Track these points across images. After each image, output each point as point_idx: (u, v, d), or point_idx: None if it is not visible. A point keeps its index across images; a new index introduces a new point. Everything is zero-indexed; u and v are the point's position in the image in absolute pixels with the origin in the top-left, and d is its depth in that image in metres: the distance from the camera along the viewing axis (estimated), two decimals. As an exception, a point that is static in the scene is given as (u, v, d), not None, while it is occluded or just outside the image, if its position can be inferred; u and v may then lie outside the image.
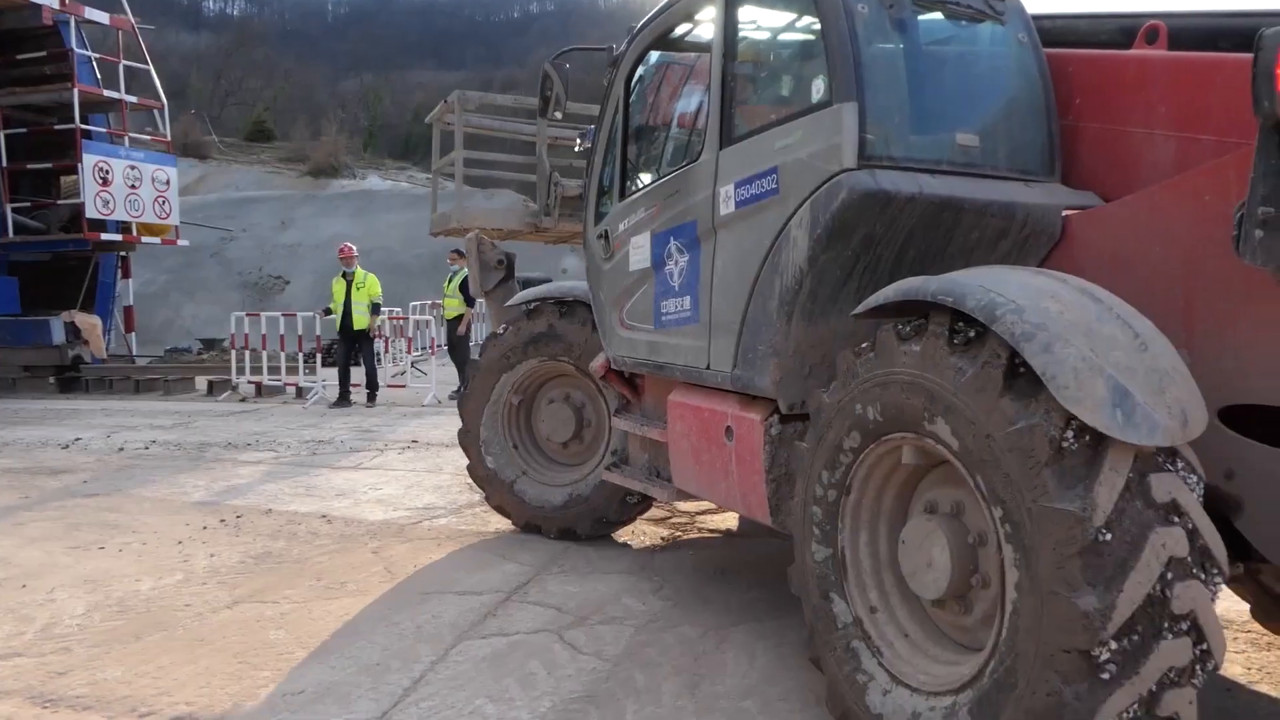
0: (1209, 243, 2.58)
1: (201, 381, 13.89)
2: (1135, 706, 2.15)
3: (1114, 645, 2.12)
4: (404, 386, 12.59)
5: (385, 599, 4.39)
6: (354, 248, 11.92)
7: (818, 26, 3.33)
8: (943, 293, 2.56)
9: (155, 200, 14.59)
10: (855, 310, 3.03)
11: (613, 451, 5.06)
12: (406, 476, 7.29)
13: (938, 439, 2.54)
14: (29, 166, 14.49)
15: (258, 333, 12.97)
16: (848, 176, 3.08)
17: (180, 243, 15.92)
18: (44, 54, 14.11)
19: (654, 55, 4.55)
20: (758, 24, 3.96)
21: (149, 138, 15.65)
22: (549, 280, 6.49)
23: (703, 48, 4.16)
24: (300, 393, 12.75)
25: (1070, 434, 2.22)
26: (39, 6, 12.82)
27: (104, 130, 14.67)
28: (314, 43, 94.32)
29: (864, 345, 2.87)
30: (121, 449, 8.62)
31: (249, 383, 13.11)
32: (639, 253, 4.34)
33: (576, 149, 5.99)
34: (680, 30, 4.29)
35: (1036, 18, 3.67)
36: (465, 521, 5.85)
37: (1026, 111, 3.50)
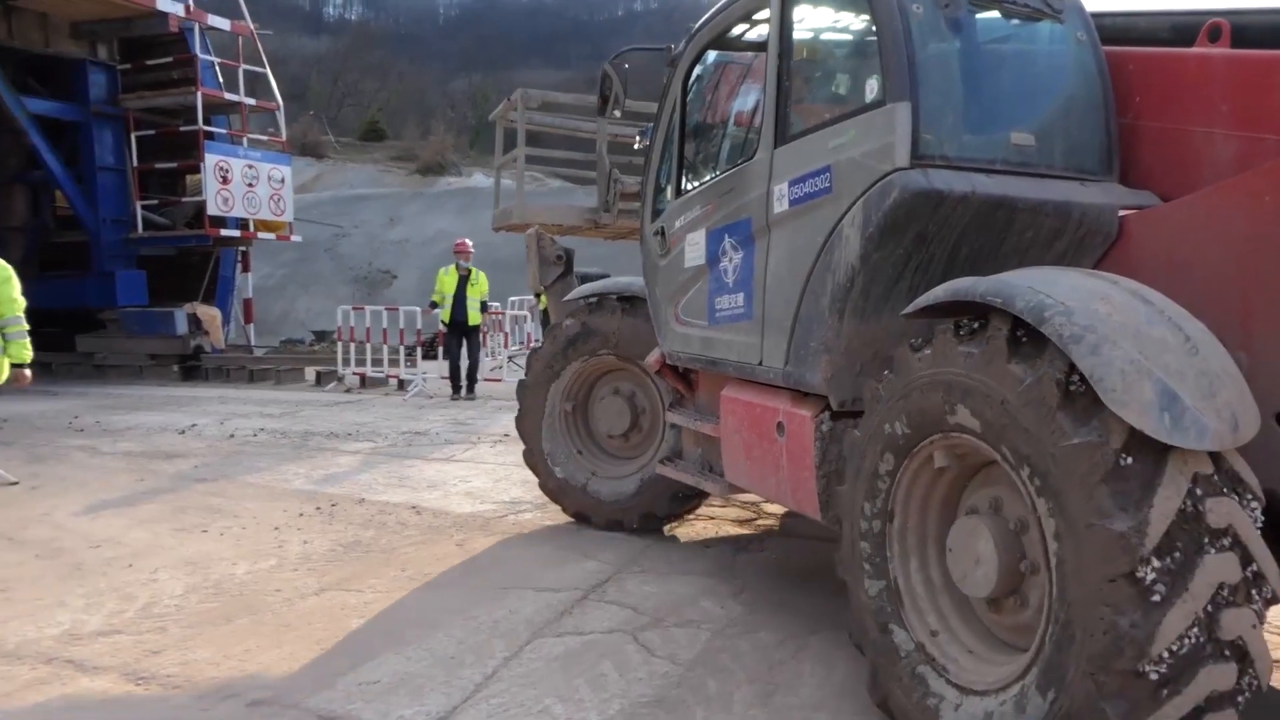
0: (1268, 243, 2.54)
1: (310, 372, 14.41)
2: (1194, 629, 2.13)
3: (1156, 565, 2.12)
4: (500, 380, 12.79)
5: (465, 592, 4.43)
6: (470, 243, 12.18)
7: (872, 26, 3.33)
8: (992, 293, 2.56)
9: (271, 198, 15.19)
10: (905, 310, 3.03)
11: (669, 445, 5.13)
12: (496, 470, 7.38)
13: (983, 439, 2.57)
14: (157, 166, 15.29)
15: (363, 325, 13.36)
16: (900, 175, 3.09)
17: (294, 238, 16.54)
18: (170, 60, 14.84)
19: (711, 55, 4.59)
20: (812, 24, 3.96)
21: (266, 138, 16.30)
22: (607, 275, 6.54)
23: (759, 47, 4.15)
24: (402, 385, 13.08)
25: (1113, 436, 2.20)
26: (166, 15, 13.49)
27: (225, 131, 15.34)
28: (426, 44, 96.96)
29: (919, 341, 2.85)
30: (232, 436, 8.98)
31: (354, 374, 13.53)
32: (694, 249, 4.40)
33: (636, 146, 6.04)
34: (737, 30, 4.32)
35: (1096, 15, 3.62)
36: (550, 517, 5.87)
37: (1084, 110, 3.47)
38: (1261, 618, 2.20)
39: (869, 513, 3.04)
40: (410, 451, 8.16)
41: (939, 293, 2.82)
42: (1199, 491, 2.17)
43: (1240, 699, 2.19)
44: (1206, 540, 2.15)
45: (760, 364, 3.88)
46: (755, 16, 4.11)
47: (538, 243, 6.45)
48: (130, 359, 15.00)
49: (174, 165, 15.22)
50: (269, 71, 15.38)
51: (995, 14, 3.48)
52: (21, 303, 5.95)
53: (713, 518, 5.82)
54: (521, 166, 7.74)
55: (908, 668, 2.85)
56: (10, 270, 5.93)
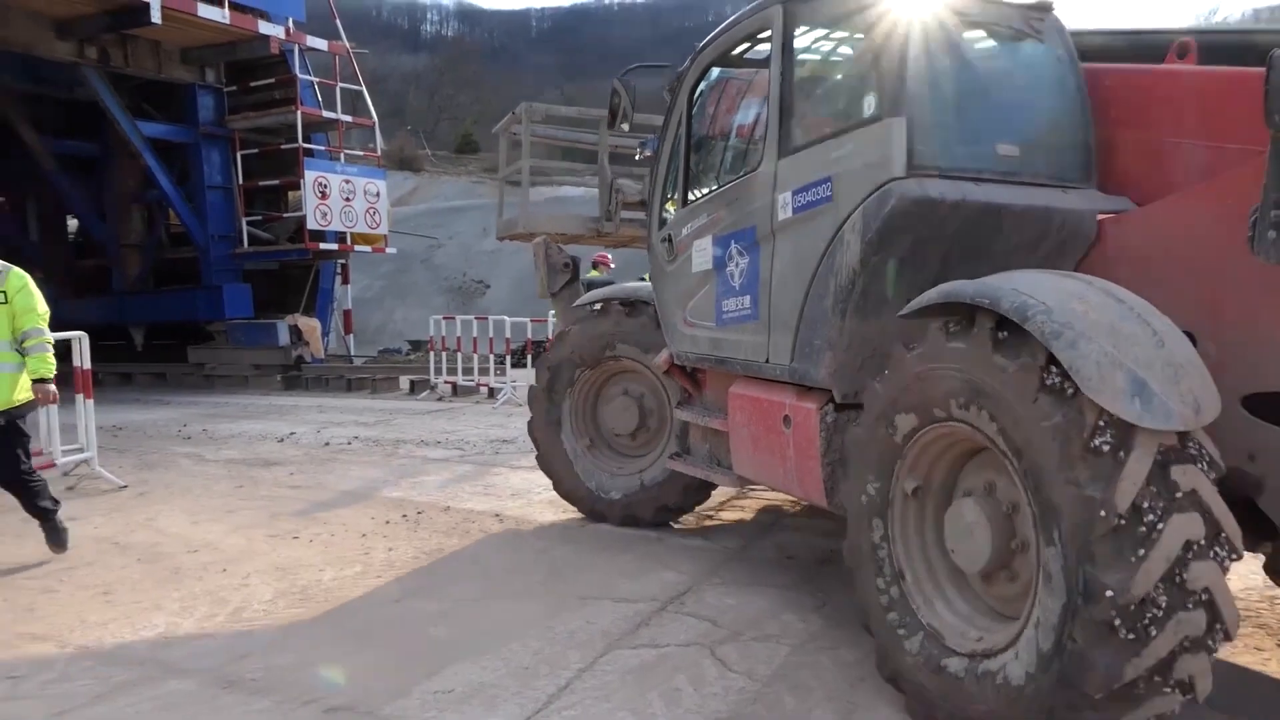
0: (1231, 244, 2.71)
1: (404, 381, 14.75)
2: (1157, 670, 2.43)
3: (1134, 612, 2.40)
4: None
5: (544, 601, 4.41)
6: (610, 257, 12.07)
7: (868, 47, 3.65)
8: (980, 295, 2.81)
9: (366, 211, 15.63)
10: (902, 311, 3.26)
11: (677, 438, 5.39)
12: (581, 478, 7.39)
13: (975, 426, 2.83)
14: (260, 184, 15.92)
15: (454, 334, 13.61)
16: (897, 185, 3.36)
17: (389, 250, 16.98)
18: (273, 81, 15.44)
19: (714, 72, 4.84)
20: (813, 44, 4.23)
21: (362, 153, 16.79)
22: (611, 282, 6.84)
23: (762, 64, 4.37)
24: (491, 393, 13.26)
25: (1088, 419, 2.49)
26: (268, 38, 14.03)
27: (323, 148, 15.86)
28: (518, 57, 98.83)
29: (899, 354, 3.15)
30: (327, 444, 9.24)
31: (445, 383, 13.79)
32: (701, 255, 4.67)
33: (637, 158, 6.36)
34: (741, 49, 4.57)
35: (1074, 34, 3.89)
36: (631, 528, 5.83)
37: (1064, 122, 3.74)
38: (1225, 571, 2.47)
39: (872, 501, 3.30)
40: (497, 459, 8.24)
41: (933, 295, 3.06)
42: (1166, 464, 2.45)
43: (1211, 645, 2.46)
44: (1173, 503, 2.42)
45: (767, 361, 4.16)
46: (758, 36, 4.36)
47: (545, 251, 6.66)
48: (236, 369, 15.62)
49: (276, 182, 15.81)
50: (364, 89, 15.84)
51: (981, 34, 3.82)
52: (43, 314, 5.33)
53: (798, 529, 5.69)
54: (527, 177, 7.92)
55: (928, 652, 3.07)
56: (27, 278, 5.37)
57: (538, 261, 6.79)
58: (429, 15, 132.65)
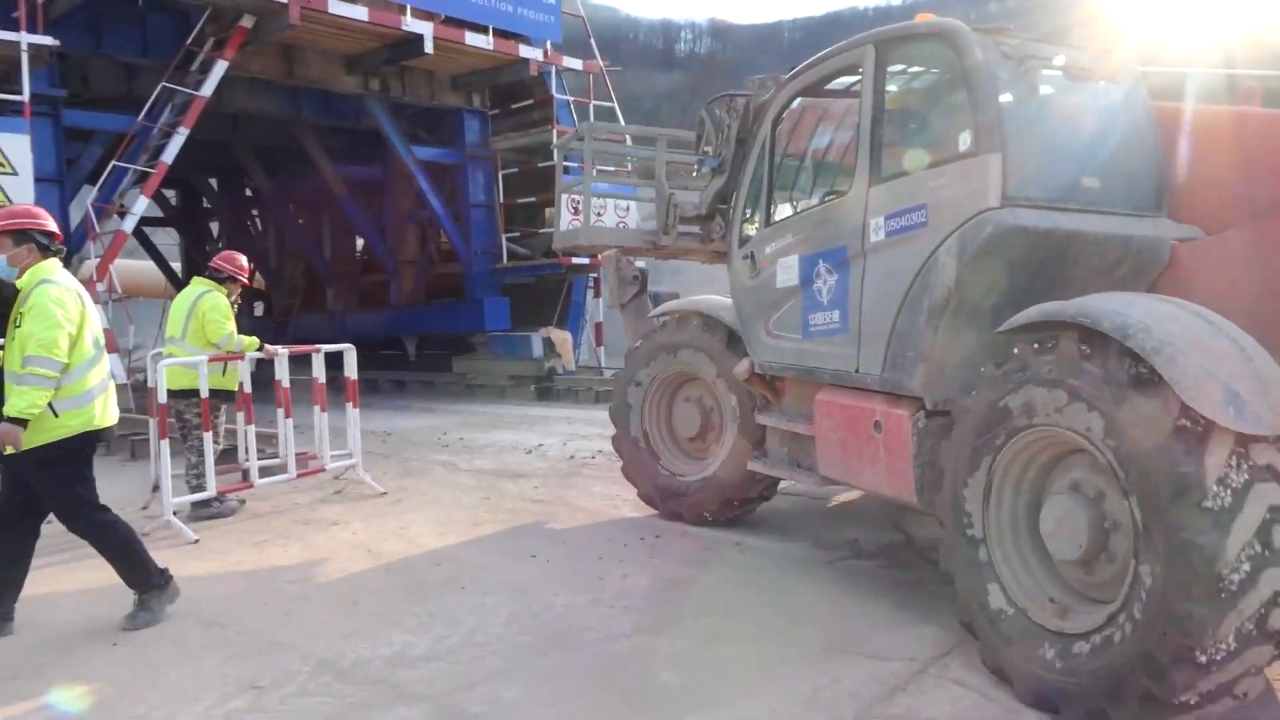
0: None
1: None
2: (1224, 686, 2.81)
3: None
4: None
5: (783, 649, 4.00)
6: None
7: (963, 87, 4.00)
8: (1081, 315, 3.18)
9: (617, 225, 15.85)
10: (1000, 328, 3.63)
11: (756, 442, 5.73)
12: (831, 507, 6.87)
13: (1071, 429, 3.21)
14: (519, 201, 16.59)
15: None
16: (993, 214, 3.78)
17: (638, 264, 17.13)
18: (531, 101, 16.03)
19: (798, 102, 5.24)
20: (905, 81, 4.64)
21: (613, 169, 17.11)
22: (677, 294, 7.36)
23: (845, 95, 4.89)
24: (736, 409, 12.94)
25: (1186, 422, 2.85)
26: (527, 60, 14.56)
27: (577, 165, 16.27)
28: (770, 70, 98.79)
29: (997, 365, 3.57)
30: (572, 457, 9.28)
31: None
32: (787, 272, 5.06)
33: (695, 175, 6.63)
34: (832, 82, 5.01)
35: (1148, 73, 4.31)
36: (888, 566, 5.27)
37: (1139, 156, 4.14)
38: None
39: (969, 503, 3.66)
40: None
41: (1033, 313, 3.46)
42: (1246, 452, 2.84)
43: None
44: (1255, 477, 2.81)
45: (857, 371, 4.56)
46: (850, 72, 4.76)
47: (616, 264, 7.19)
48: (494, 379, 16.33)
49: (533, 200, 16.41)
50: (616, 106, 16.10)
51: (1063, 76, 4.20)
52: (48, 340, 4.10)
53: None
54: (588, 193, 8.44)
55: (1015, 630, 3.44)
56: (46, 293, 4.21)
57: (609, 274, 7.35)
58: (682, 34, 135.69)
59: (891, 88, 4.60)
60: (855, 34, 4.69)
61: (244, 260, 7.07)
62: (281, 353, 7.00)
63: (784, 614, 4.48)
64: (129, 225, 11.53)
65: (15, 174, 9.82)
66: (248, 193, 21.97)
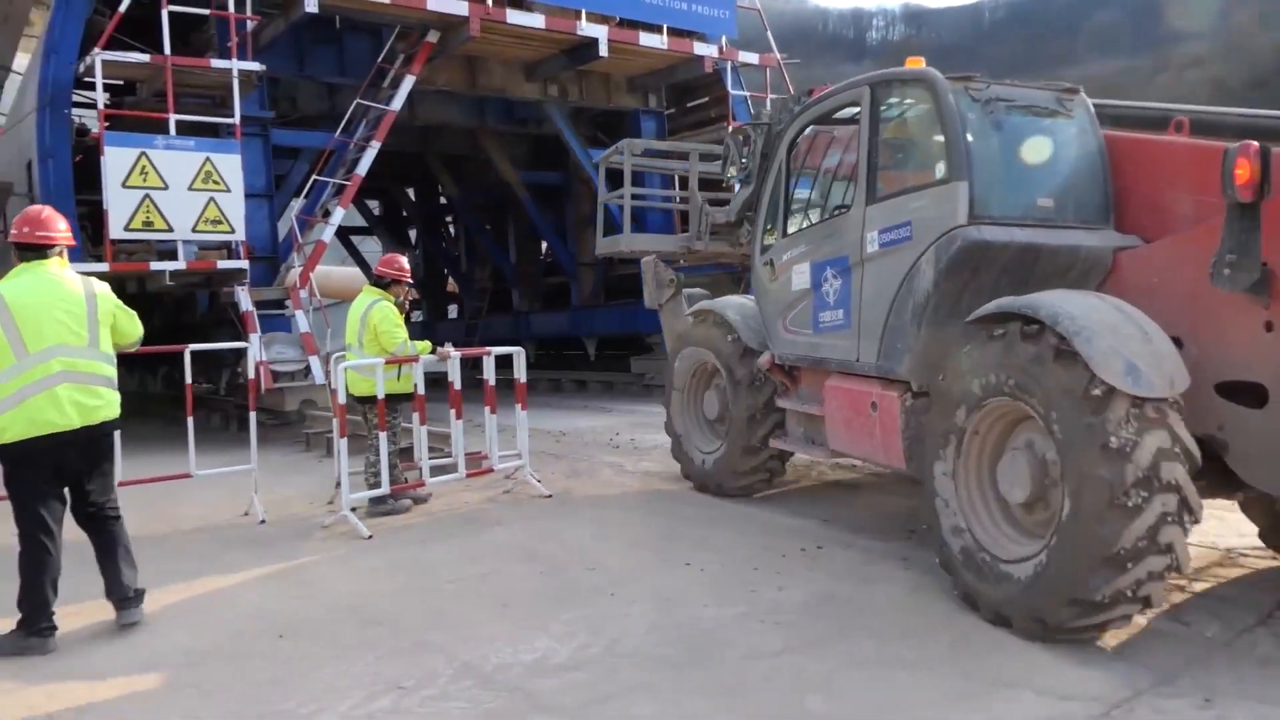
0: (1204, 276, 3.95)
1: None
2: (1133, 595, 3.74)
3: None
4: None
5: (946, 680, 3.67)
6: None
7: (937, 122, 4.92)
8: (1025, 307, 4.12)
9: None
10: (967, 319, 4.48)
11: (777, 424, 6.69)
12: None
13: (1019, 399, 4.12)
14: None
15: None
16: (961, 230, 4.66)
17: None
18: (707, 99, 15.92)
19: (809, 130, 6.11)
20: (894, 118, 5.47)
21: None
22: (708, 295, 8.10)
23: (850, 123, 5.65)
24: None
25: (1097, 389, 3.77)
26: (702, 58, 14.45)
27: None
28: (970, 53, 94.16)
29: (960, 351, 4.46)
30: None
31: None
32: (800, 277, 6.03)
33: (724, 184, 7.68)
34: (836, 115, 5.88)
35: (1098, 105, 5.16)
36: (1069, 589, 4.78)
37: (1088, 178, 4.99)
38: (1192, 518, 3.76)
39: (943, 461, 4.53)
40: (916, 490, 7.42)
41: (990, 307, 4.34)
42: (1142, 410, 3.75)
43: (1184, 522, 3.75)
44: (1146, 426, 3.73)
45: (857, 360, 5.51)
46: (851, 107, 5.65)
47: (654, 269, 8.17)
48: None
49: (711, 196, 16.29)
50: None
51: (1024, 114, 5.00)
52: (135, 316, 4.66)
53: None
54: (628, 202, 9.35)
55: (986, 561, 4.28)
56: (112, 295, 4.58)
57: (646, 277, 8.24)
58: (874, 21, 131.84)
59: (889, 125, 5.51)
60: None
61: (404, 261, 7.32)
62: (453, 356, 7.21)
63: (949, 639, 4.13)
64: (327, 235, 12.30)
65: (228, 190, 10.67)
66: (441, 200, 23.08)
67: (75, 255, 10.74)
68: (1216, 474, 4.08)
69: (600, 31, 13.25)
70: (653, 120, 16.25)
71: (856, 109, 5.55)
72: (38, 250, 4.41)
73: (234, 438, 10.84)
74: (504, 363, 7.70)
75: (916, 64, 5.30)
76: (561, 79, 14.90)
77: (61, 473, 4.37)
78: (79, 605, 4.69)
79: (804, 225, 6.09)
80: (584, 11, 13.17)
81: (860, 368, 5.51)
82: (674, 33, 14.20)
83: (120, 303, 4.60)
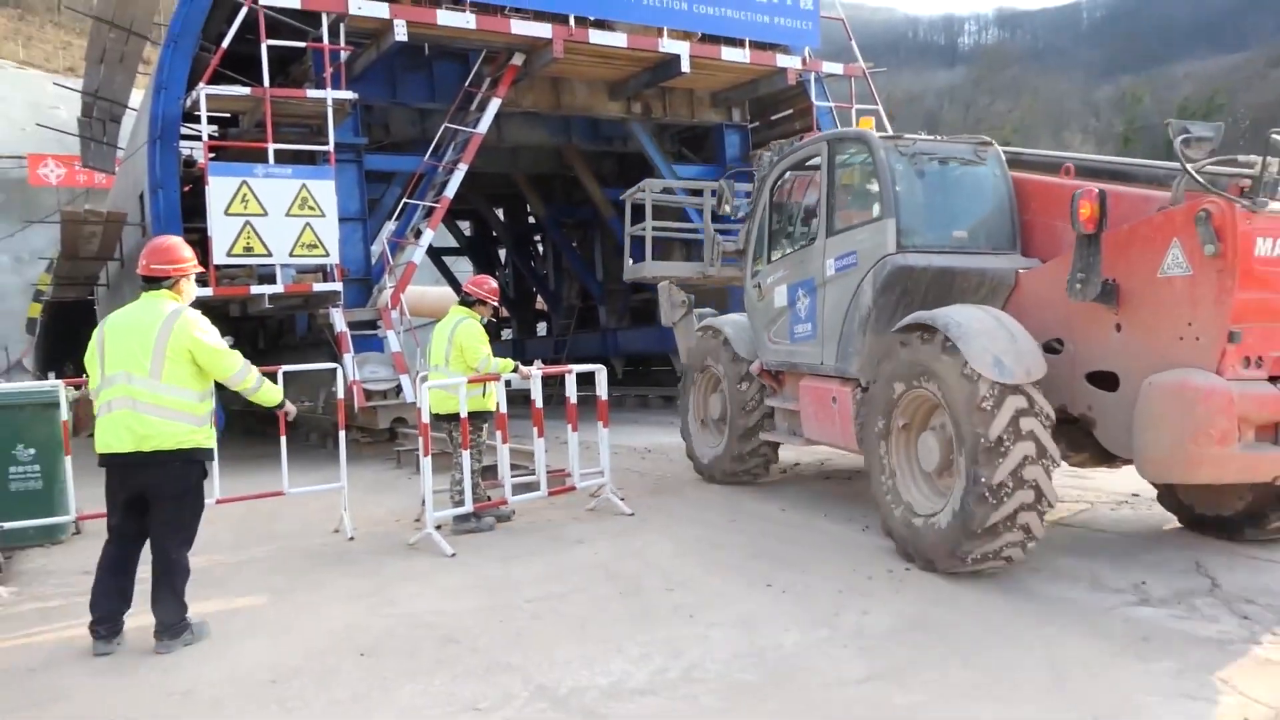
0: (1073, 286, 5.17)
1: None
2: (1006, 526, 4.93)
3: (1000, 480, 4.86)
4: (1137, 424, 10.84)
5: (1040, 714, 3.48)
6: None
7: (873, 173, 6.28)
8: (928, 318, 5.40)
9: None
10: (893, 329, 5.80)
11: (767, 416, 7.93)
12: (1113, 540, 6.04)
13: (925, 384, 5.44)
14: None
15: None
16: (891, 257, 6.03)
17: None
18: (791, 111, 15.75)
19: (786, 175, 7.46)
20: (845, 168, 6.72)
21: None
22: (715, 313, 9.32)
23: (816, 169, 6.94)
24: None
25: (975, 377, 4.98)
26: (785, 70, 14.30)
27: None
28: (1065, 54, 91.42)
29: (889, 353, 5.82)
30: (828, 478, 8.89)
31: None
32: (780, 297, 7.33)
33: (721, 212, 9.22)
34: (804, 166, 7.20)
35: (1008, 153, 6.54)
36: (1179, 616, 4.50)
37: (998, 213, 6.33)
38: (1048, 471, 4.97)
39: (879, 440, 5.84)
40: (1010, 508, 7.13)
41: (907, 319, 5.64)
42: (1021, 406, 4.94)
43: (1040, 509, 4.99)
44: (1006, 394, 4.93)
45: (821, 364, 6.84)
46: (814, 159, 6.98)
47: (669, 292, 9.58)
48: (759, 394, 16.15)
49: (797, 209, 16.08)
50: (880, 107, 15.42)
51: (942, 163, 6.34)
52: (228, 357, 4.71)
53: None
54: (649, 233, 11.11)
55: (905, 514, 5.61)
56: (198, 334, 4.59)
57: (662, 300, 9.65)
58: (966, 26, 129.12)
59: (843, 173, 6.74)
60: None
61: (493, 283, 7.42)
62: (535, 374, 7.25)
63: (1046, 670, 3.93)
64: (417, 256, 12.59)
65: (323, 215, 11.02)
66: (529, 219, 23.40)
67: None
68: (1093, 448, 5.51)
69: (682, 48, 13.26)
70: (736, 134, 16.17)
71: (819, 160, 6.86)
72: (151, 281, 4.65)
73: (330, 455, 11.11)
74: (589, 379, 7.71)
75: (867, 125, 7.18)
76: (645, 96, 14.94)
77: (127, 491, 4.56)
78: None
79: (783, 254, 7.44)
80: (665, 29, 13.21)
81: (824, 369, 6.85)
82: (756, 46, 14.11)
83: (204, 340, 4.57)
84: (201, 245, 11.54)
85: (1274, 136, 4.56)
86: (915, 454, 5.68)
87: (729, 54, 13.77)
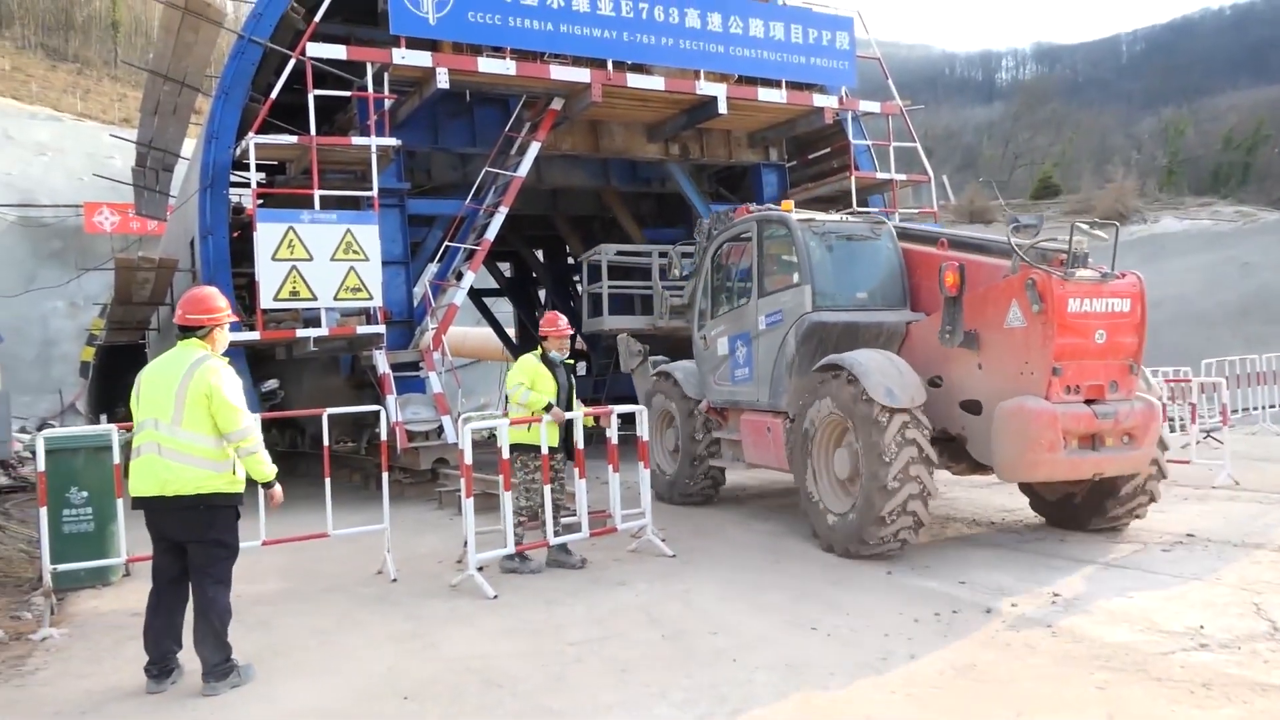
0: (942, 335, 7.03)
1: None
2: (896, 516, 6.50)
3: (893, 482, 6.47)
4: (1188, 462, 10.56)
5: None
6: None
7: (793, 246, 7.90)
8: (838, 360, 6.98)
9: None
10: (812, 370, 7.41)
11: (711, 444, 9.34)
12: (1168, 583, 5.88)
13: (836, 412, 7.03)
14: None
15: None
16: (808, 315, 7.60)
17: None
18: (828, 150, 15.79)
19: (724, 247, 9.17)
20: (770, 241, 8.37)
21: (916, 210, 16.39)
22: (668, 360, 10.57)
23: (748, 240, 8.65)
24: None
25: (872, 404, 6.56)
26: (822, 109, 14.34)
27: (879, 210, 15.76)
28: (1106, 87, 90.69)
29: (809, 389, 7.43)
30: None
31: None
32: (722, 346, 8.95)
33: (677, 276, 10.78)
34: (739, 238, 8.87)
35: (897, 228, 8.34)
36: (1240, 662, 4.37)
37: (891, 278, 7.93)
38: (930, 472, 6.62)
39: (804, 459, 7.37)
40: (1060, 549, 6.98)
41: (822, 361, 7.24)
42: (905, 421, 6.55)
43: (924, 499, 6.57)
44: (895, 416, 6.54)
45: (758, 401, 8.36)
46: (745, 235, 8.67)
47: (626, 342, 10.93)
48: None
49: (833, 249, 16.04)
50: (918, 144, 15.41)
51: (848, 239, 7.97)
52: (235, 413, 4.62)
53: None
54: (606, 290, 13.63)
55: (824, 514, 7.14)
56: (215, 380, 4.62)
57: (621, 349, 10.98)
58: (1004, 62, 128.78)
59: (769, 248, 8.40)
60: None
61: (564, 321, 7.55)
62: (570, 416, 7.24)
63: (1100, 718, 3.82)
64: (459, 298, 12.72)
65: (367, 260, 11.20)
66: (569, 260, 23.59)
67: (231, 325, 11.55)
68: (968, 459, 7.15)
69: (719, 89, 13.37)
70: (774, 173, 16.22)
71: (751, 235, 8.48)
72: (186, 330, 4.78)
73: (373, 495, 11.20)
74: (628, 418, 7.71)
75: (788, 207, 8.34)
76: (682, 137, 15.07)
77: (159, 533, 4.70)
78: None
79: (724, 311, 9.06)
80: (702, 71, 13.34)
81: (760, 405, 8.33)
82: (793, 86, 14.18)
83: (219, 387, 4.59)
84: (249, 290, 11.82)
85: (1078, 225, 6.51)
86: (832, 467, 7.18)
87: (766, 95, 13.85)
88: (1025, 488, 7.82)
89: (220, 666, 4.61)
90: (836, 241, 7.83)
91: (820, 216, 8.21)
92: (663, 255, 11.72)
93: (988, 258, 6.99)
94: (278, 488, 4.90)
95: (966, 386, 6.91)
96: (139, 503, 4.65)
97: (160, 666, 4.65)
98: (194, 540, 4.64)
